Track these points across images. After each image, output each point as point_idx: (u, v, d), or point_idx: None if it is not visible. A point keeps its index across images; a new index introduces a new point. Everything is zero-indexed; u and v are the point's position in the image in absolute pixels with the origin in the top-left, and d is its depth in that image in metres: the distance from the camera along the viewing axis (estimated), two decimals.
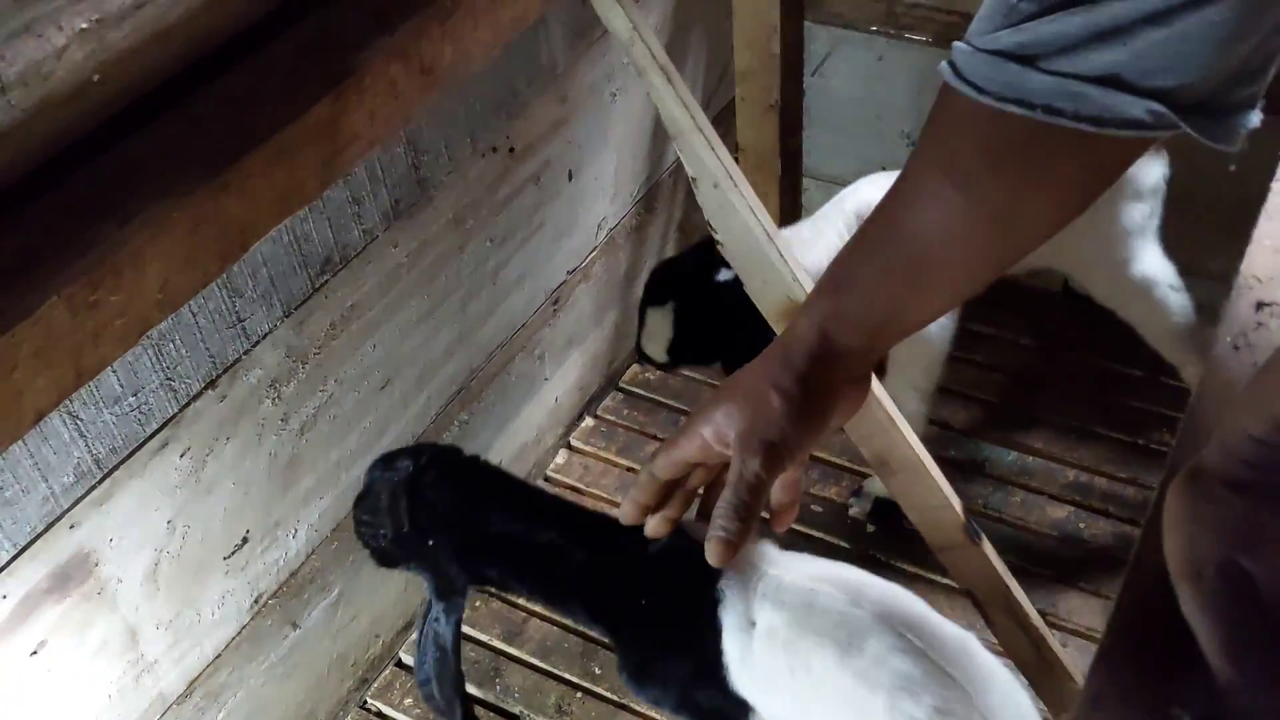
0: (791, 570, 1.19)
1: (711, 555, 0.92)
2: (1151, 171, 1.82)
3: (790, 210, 2.63)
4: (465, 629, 1.89)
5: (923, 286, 0.95)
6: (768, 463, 0.92)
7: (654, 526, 1.03)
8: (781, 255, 1.30)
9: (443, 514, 1.28)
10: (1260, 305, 0.99)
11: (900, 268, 0.93)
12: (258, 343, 1.43)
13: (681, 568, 1.19)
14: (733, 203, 1.27)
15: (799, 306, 1.35)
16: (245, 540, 1.51)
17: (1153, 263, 1.87)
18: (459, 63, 1.49)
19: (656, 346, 1.88)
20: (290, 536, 1.59)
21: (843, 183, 2.55)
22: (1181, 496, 0.77)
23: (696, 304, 1.85)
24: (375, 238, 1.58)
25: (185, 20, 1.17)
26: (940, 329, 1.88)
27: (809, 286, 1.33)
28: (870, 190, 1.84)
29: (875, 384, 1.39)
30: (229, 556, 1.49)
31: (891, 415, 1.39)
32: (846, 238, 1.78)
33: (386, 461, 1.33)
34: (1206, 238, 2.17)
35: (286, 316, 1.46)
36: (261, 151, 1.22)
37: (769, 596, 1.17)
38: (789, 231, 1.86)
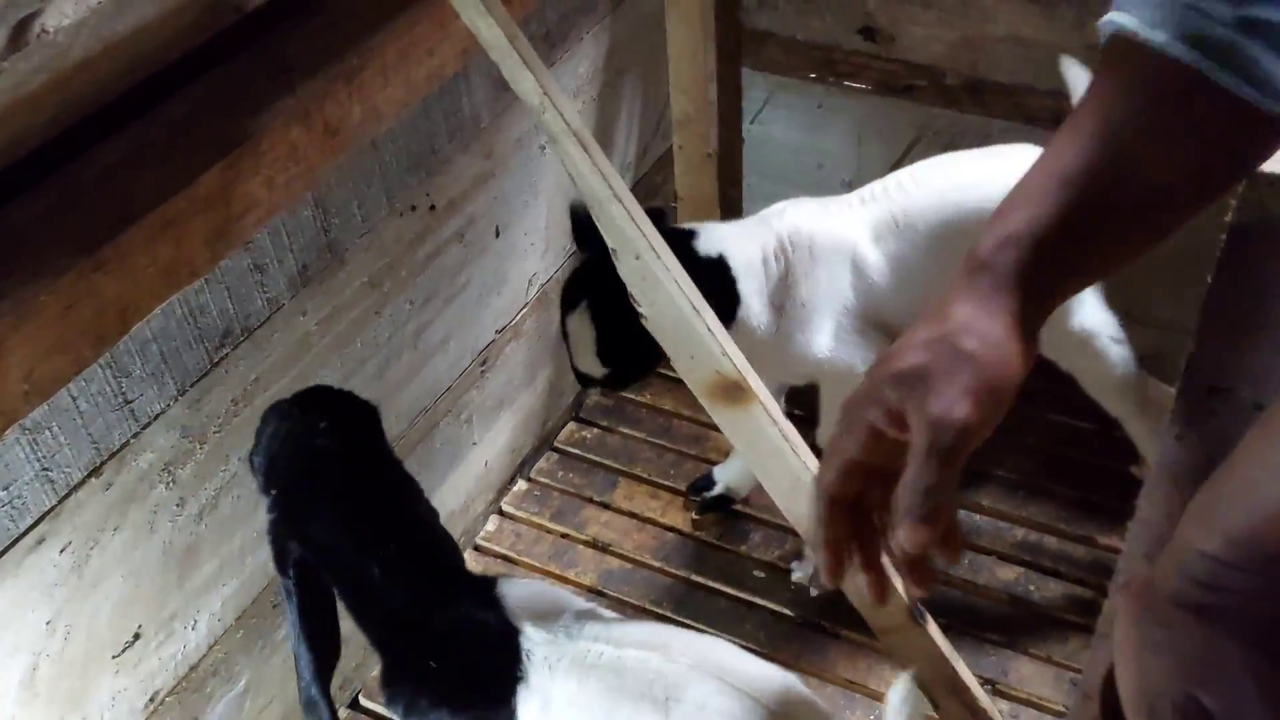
0: (594, 638, 1.19)
1: (907, 539, 0.72)
2: None
3: None
4: None
5: (1099, 227, 0.84)
6: (975, 412, 0.75)
7: (868, 589, 0.85)
8: (709, 328, 1.23)
9: (292, 466, 1.25)
10: (1212, 390, 0.93)
11: (1074, 211, 0.82)
12: (148, 424, 1.33)
13: (486, 645, 1.21)
14: (656, 275, 1.19)
15: (730, 381, 1.27)
16: (137, 636, 1.40)
17: (1092, 314, 1.83)
18: (368, 122, 1.41)
19: (586, 357, 1.72)
20: (189, 628, 1.48)
21: None
22: (1132, 618, 0.70)
23: (610, 297, 1.72)
24: (281, 306, 1.48)
25: (54, 86, 1.07)
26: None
27: (739, 360, 1.25)
28: (796, 214, 1.77)
29: (811, 460, 1.31)
30: (119, 654, 1.38)
31: None
32: (769, 257, 1.73)
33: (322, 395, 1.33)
34: (1152, 285, 2.12)
35: (181, 395, 1.36)
36: (143, 225, 1.13)
37: (570, 670, 1.16)
38: (715, 225, 1.81)
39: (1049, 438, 2.21)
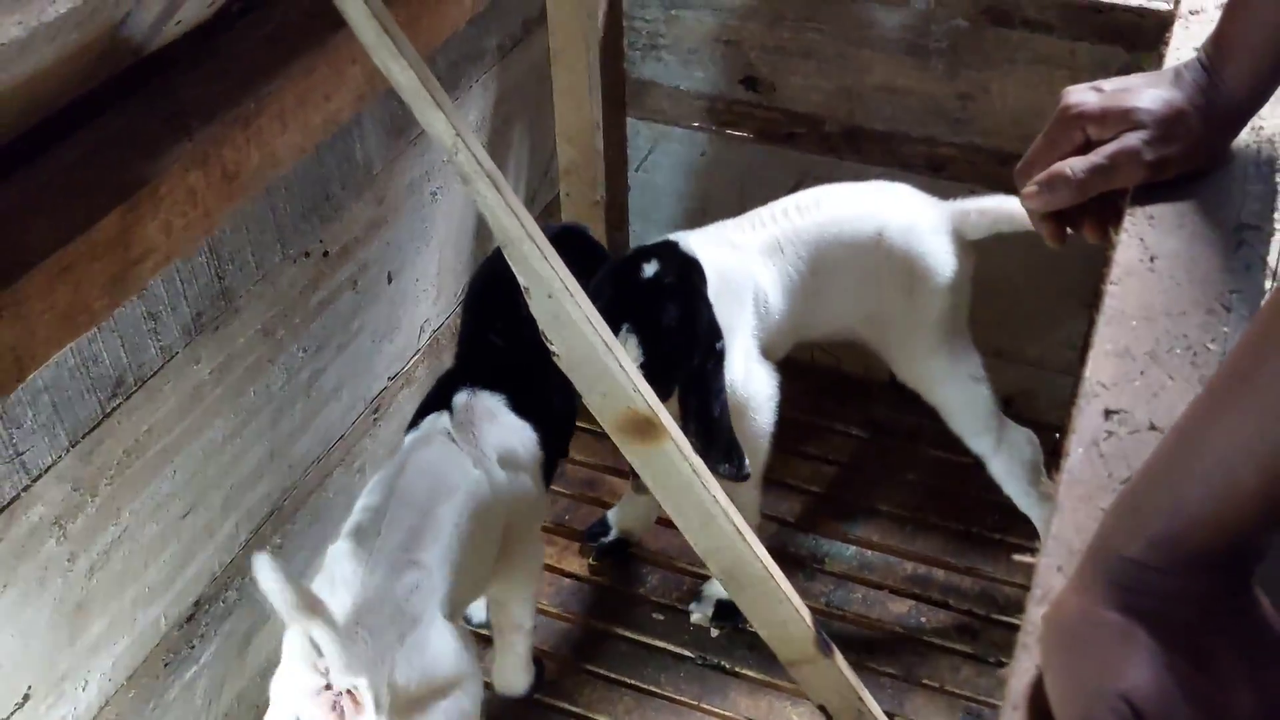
0: None
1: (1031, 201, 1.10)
2: (963, 264, 1.84)
3: None
4: None
5: None
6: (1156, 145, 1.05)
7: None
8: (621, 365, 1.24)
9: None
10: (1109, 413, 0.98)
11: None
12: (39, 477, 1.28)
13: None
14: (569, 313, 1.20)
15: (641, 418, 1.29)
16: (27, 698, 1.34)
17: (957, 351, 1.89)
18: (266, 167, 1.40)
19: None
20: (80, 689, 1.42)
21: None
22: (1055, 631, 0.73)
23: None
24: (175, 355, 1.45)
25: None
26: (767, 414, 1.84)
27: (650, 398, 1.26)
28: (696, 244, 1.79)
29: (722, 496, 1.33)
30: (8, 717, 1.32)
31: (739, 528, 1.33)
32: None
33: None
34: (1021, 325, 2.22)
35: (73, 446, 1.32)
36: (39, 271, 1.10)
37: None
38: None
39: (932, 473, 2.28)
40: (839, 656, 1.46)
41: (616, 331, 1.58)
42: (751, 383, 1.79)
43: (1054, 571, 0.89)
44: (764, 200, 2.34)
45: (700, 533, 1.33)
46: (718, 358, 1.68)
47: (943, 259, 1.82)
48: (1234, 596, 0.68)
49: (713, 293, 1.72)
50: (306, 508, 1.80)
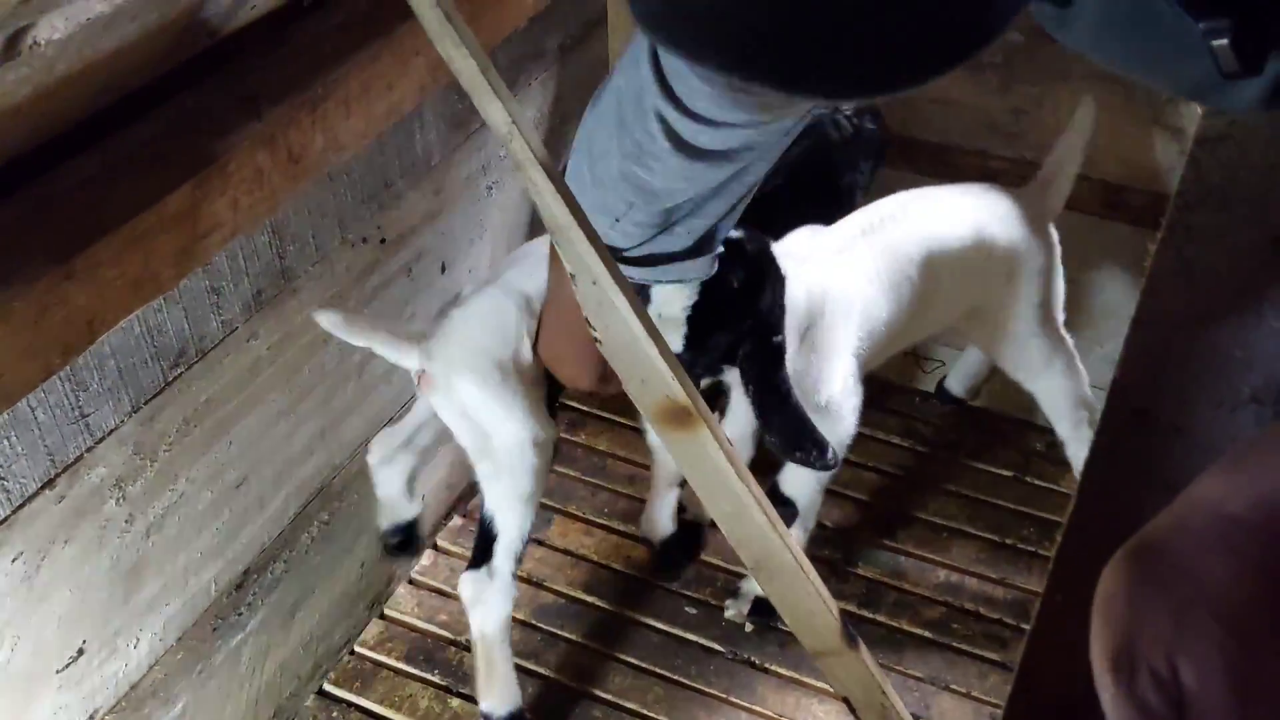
0: None
1: None
2: (1053, 243, 1.91)
3: None
4: None
5: None
6: None
7: None
8: (660, 353, 1.27)
9: None
10: (1135, 412, 1.00)
11: None
12: (102, 439, 1.34)
13: None
14: (612, 300, 1.24)
15: (679, 406, 1.32)
16: (81, 651, 1.40)
17: (1054, 336, 1.95)
18: (329, 152, 1.45)
19: None
20: (131, 647, 1.48)
21: None
22: (1122, 575, 0.70)
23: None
24: (235, 329, 1.50)
25: (36, 98, 1.10)
26: (851, 429, 1.85)
27: (688, 386, 1.30)
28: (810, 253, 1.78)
29: (755, 486, 1.36)
30: (63, 669, 1.38)
31: (771, 519, 1.36)
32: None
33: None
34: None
35: (135, 412, 1.38)
36: (113, 238, 1.16)
37: None
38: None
39: (970, 484, 2.30)
40: (865, 651, 1.48)
41: None
42: (848, 401, 1.79)
43: (1069, 562, 0.92)
44: None
45: (733, 521, 1.35)
46: (773, 350, 1.65)
47: (1037, 241, 1.87)
48: None
49: (824, 312, 1.70)
50: (354, 486, 1.86)
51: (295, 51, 1.45)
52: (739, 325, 1.63)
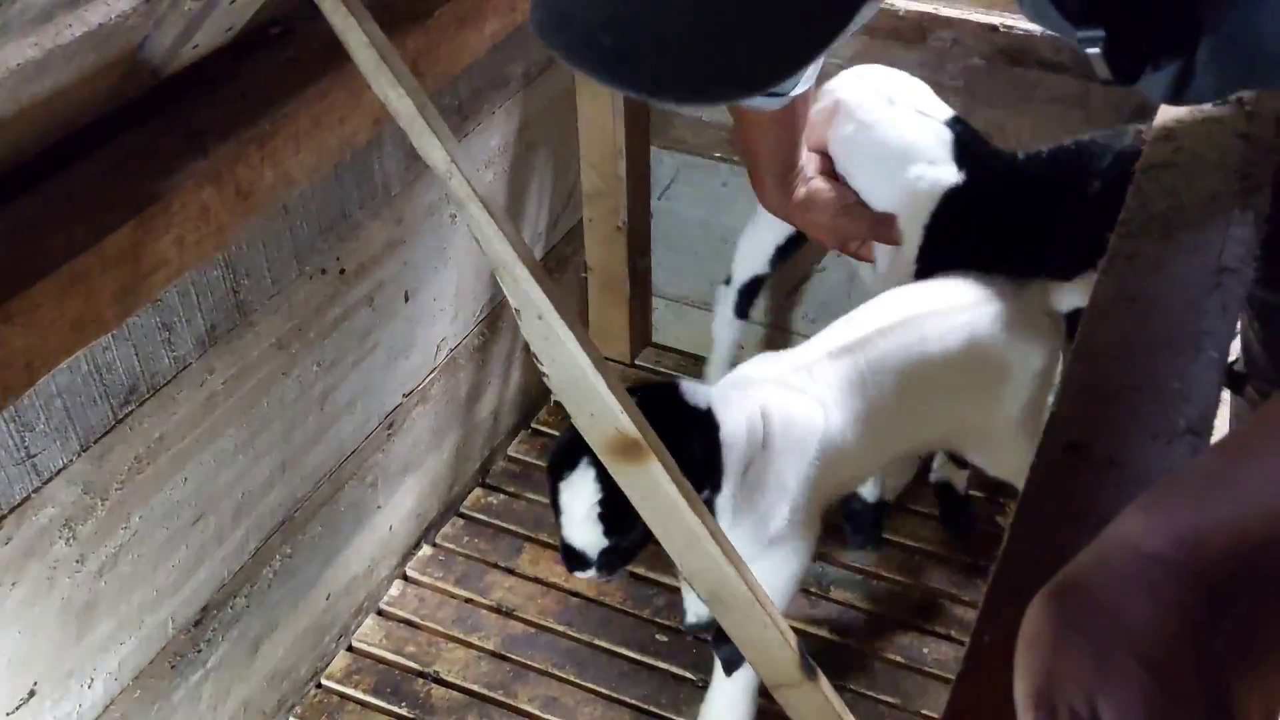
0: None
1: None
2: (1056, 339, 1.74)
3: (640, 329, 2.63)
4: None
5: None
6: None
7: None
8: (609, 388, 1.27)
9: None
10: (1070, 446, 0.99)
11: None
12: (50, 479, 1.33)
13: None
14: (558, 335, 1.24)
15: (629, 439, 1.32)
16: (32, 693, 1.39)
17: (1039, 428, 1.77)
18: (280, 186, 1.45)
19: (584, 527, 1.51)
20: (85, 687, 1.47)
21: (692, 302, 2.58)
22: (1043, 614, 0.70)
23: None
24: (188, 365, 1.50)
25: None
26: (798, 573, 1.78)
27: (637, 418, 1.29)
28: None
29: (708, 519, 1.36)
30: (12, 713, 1.37)
31: (725, 550, 1.35)
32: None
33: None
34: None
35: (84, 450, 1.37)
36: (51, 280, 1.15)
37: None
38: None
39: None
40: (824, 681, 1.47)
41: (575, 464, 1.48)
42: (796, 542, 1.67)
43: (999, 601, 0.91)
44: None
45: (686, 553, 1.35)
46: None
47: (1038, 341, 1.71)
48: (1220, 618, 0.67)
49: (772, 445, 1.58)
50: (318, 519, 1.85)
51: (245, 89, 1.44)
52: None
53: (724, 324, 2.15)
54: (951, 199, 1.73)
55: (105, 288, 1.22)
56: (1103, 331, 1.11)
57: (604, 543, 1.52)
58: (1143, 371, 1.06)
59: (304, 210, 1.65)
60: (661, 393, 1.60)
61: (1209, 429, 1.02)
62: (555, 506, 1.54)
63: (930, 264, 1.76)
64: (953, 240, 1.75)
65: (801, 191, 1.78)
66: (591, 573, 1.56)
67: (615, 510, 1.46)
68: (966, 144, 1.76)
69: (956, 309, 1.68)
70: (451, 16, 1.69)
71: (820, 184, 1.78)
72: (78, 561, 1.40)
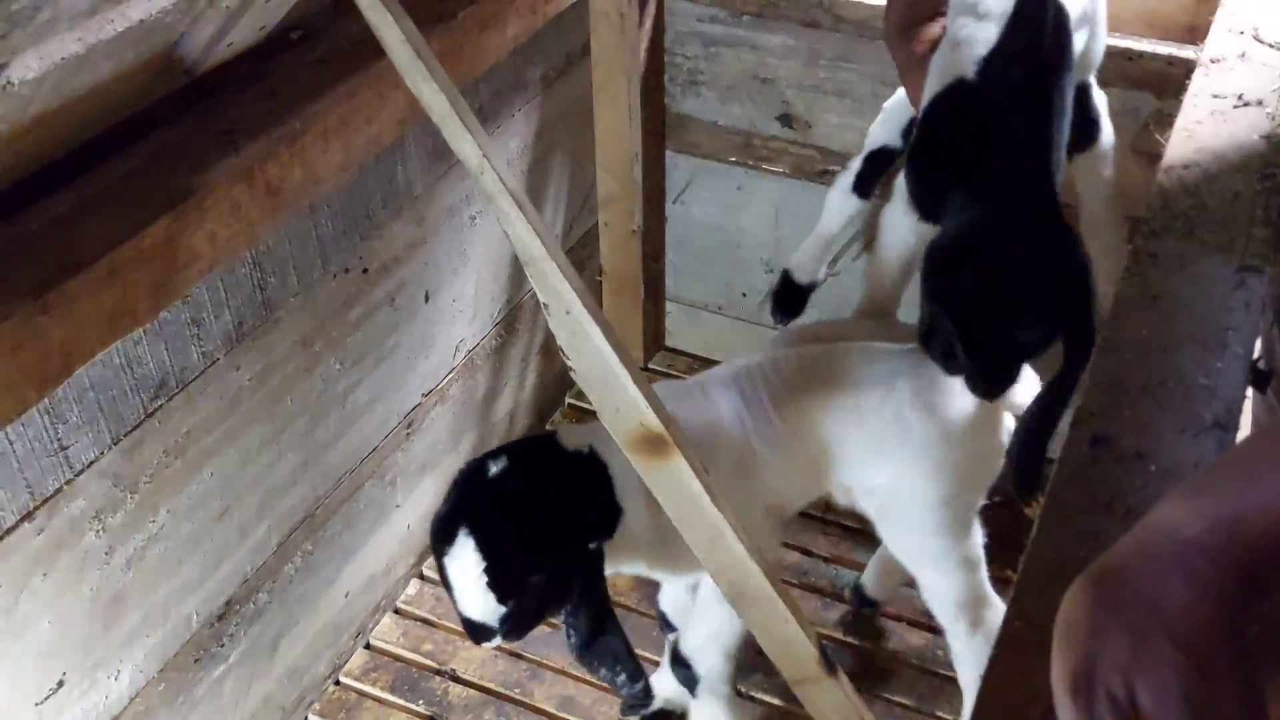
0: None
1: None
2: (990, 425, 1.64)
3: (653, 332, 2.64)
4: None
5: None
6: None
7: None
8: (635, 383, 1.29)
9: None
10: (1096, 440, 1.01)
11: None
12: (82, 471, 1.35)
13: None
14: (586, 330, 1.25)
15: (653, 434, 1.33)
16: (61, 684, 1.40)
17: (959, 531, 1.69)
18: (308, 184, 1.47)
19: (477, 599, 1.45)
20: (111, 679, 1.48)
21: (705, 307, 2.59)
22: (1082, 599, 0.71)
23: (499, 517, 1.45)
24: (216, 360, 1.51)
25: (12, 138, 1.11)
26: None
27: (663, 414, 1.31)
28: None
29: (731, 515, 1.37)
30: (42, 702, 1.38)
31: (748, 546, 1.37)
32: None
33: None
34: None
35: (115, 444, 1.38)
36: (89, 272, 1.17)
37: None
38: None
39: None
40: (843, 677, 1.48)
41: (454, 536, 1.43)
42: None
43: (1029, 588, 0.92)
44: (797, 234, 2.39)
45: (709, 549, 1.36)
46: (588, 566, 1.48)
47: (971, 432, 1.60)
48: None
49: None
50: (338, 516, 1.86)
51: (275, 87, 1.46)
52: (536, 569, 1.44)
53: (839, 194, 1.85)
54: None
55: (141, 281, 1.23)
56: (1128, 328, 1.12)
57: (499, 610, 1.44)
58: (1168, 367, 1.07)
59: (329, 209, 1.67)
60: (538, 444, 1.55)
61: (1236, 423, 1.03)
62: (445, 583, 1.48)
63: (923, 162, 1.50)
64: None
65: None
66: (498, 640, 1.49)
67: (503, 575, 1.42)
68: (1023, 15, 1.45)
69: (882, 367, 1.61)
70: (475, 19, 1.71)
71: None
72: (106, 554, 1.42)
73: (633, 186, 2.38)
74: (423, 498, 2.09)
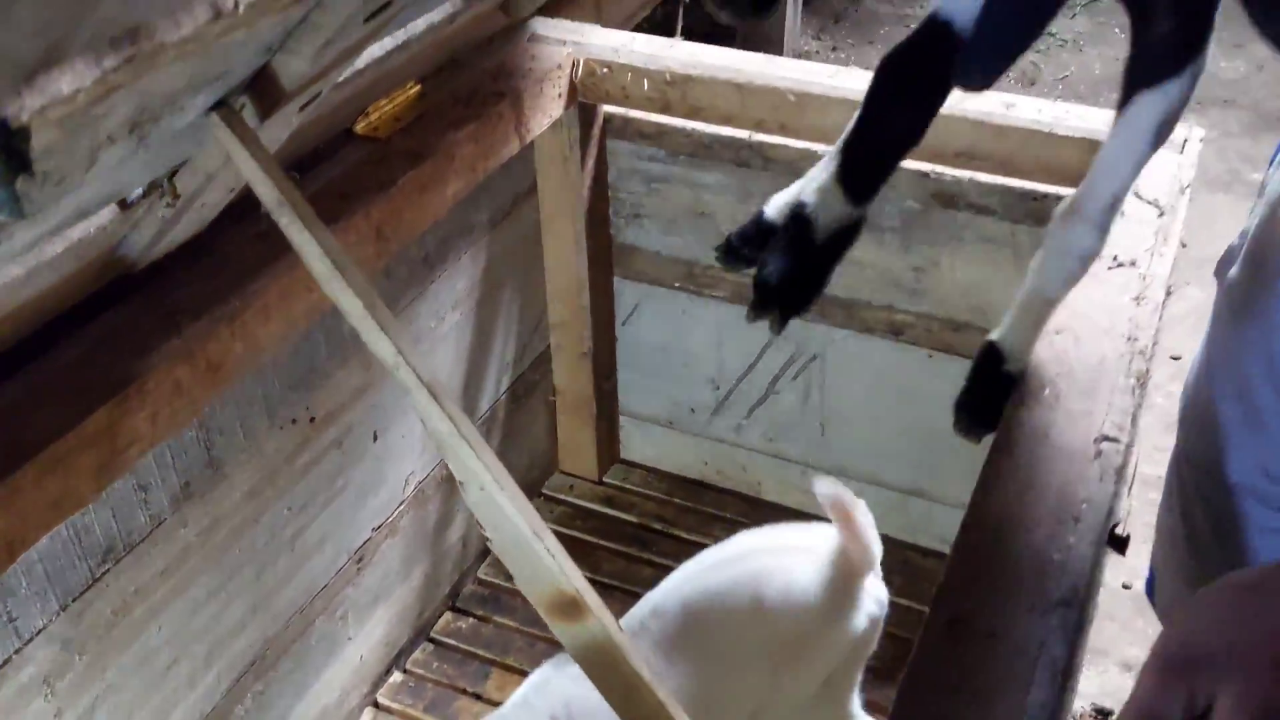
0: None
1: None
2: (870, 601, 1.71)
3: (608, 446, 2.73)
4: None
5: None
6: None
7: None
8: (549, 550, 1.37)
9: None
10: (952, 622, 1.09)
11: None
12: (30, 640, 1.42)
13: None
14: (499, 503, 1.33)
15: (567, 598, 1.41)
16: None
17: (842, 699, 1.76)
18: (249, 356, 1.55)
19: None
20: None
21: (656, 421, 2.68)
22: (1219, 599, 0.76)
23: None
24: (163, 521, 1.60)
25: None
26: None
27: (577, 580, 1.39)
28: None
29: (647, 673, 1.44)
30: None
31: (665, 702, 1.44)
32: None
33: None
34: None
35: (63, 610, 1.46)
36: (33, 464, 1.25)
37: None
38: None
39: None
40: None
41: None
42: None
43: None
44: (739, 353, 2.49)
45: (626, 705, 1.43)
46: None
47: (838, 604, 1.65)
48: None
49: None
50: (289, 655, 1.93)
51: (216, 265, 1.55)
52: None
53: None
54: None
55: (83, 466, 1.31)
56: (993, 502, 1.21)
57: None
58: (1024, 543, 1.16)
59: (275, 368, 1.75)
60: None
61: (1084, 598, 1.12)
62: None
63: None
64: None
65: None
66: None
67: None
68: None
69: (744, 570, 1.69)
70: (414, 183, 1.81)
71: None
72: (55, 716, 1.49)
73: (582, 312, 2.49)
74: (375, 628, 2.16)
